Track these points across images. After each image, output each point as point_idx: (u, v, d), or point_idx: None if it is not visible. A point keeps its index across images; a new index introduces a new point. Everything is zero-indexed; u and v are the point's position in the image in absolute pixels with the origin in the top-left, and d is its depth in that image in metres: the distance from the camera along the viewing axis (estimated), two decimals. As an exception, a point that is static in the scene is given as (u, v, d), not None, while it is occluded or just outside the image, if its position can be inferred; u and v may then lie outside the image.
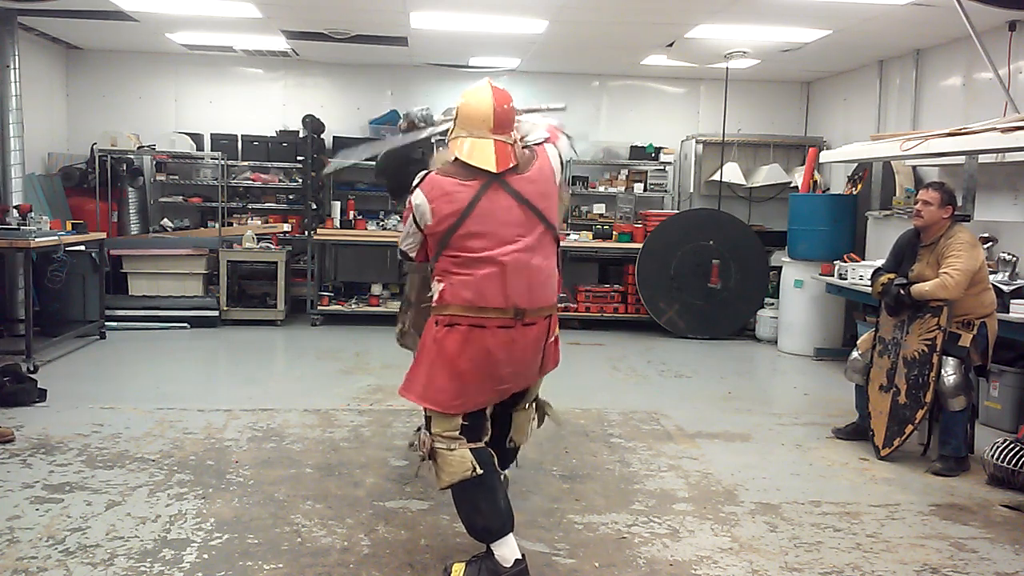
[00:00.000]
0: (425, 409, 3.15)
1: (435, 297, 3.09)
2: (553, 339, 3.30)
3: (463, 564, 3.12)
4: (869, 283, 5.21)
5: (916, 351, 4.68)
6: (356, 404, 5.57)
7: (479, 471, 3.04)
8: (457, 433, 3.09)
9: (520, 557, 3.07)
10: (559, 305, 3.29)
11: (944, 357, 4.58)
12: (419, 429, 3.32)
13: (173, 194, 9.32)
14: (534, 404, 3.53)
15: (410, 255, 3.23)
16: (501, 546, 3.06)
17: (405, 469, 4.35)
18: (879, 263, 5.40)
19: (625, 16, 6.88)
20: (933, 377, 4.57)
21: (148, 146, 8.90)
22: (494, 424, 3.26)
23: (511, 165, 3.06)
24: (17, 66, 7.53)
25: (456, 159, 3.08)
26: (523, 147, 3.16)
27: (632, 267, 8.69)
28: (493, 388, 3.13)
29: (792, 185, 9.31)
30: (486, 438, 3.19)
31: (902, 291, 4.71)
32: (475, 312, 3.01)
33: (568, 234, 8.99)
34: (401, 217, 3.40)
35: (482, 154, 3.04)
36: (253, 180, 9.27)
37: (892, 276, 4.83)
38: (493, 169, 3.01)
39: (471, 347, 3.03)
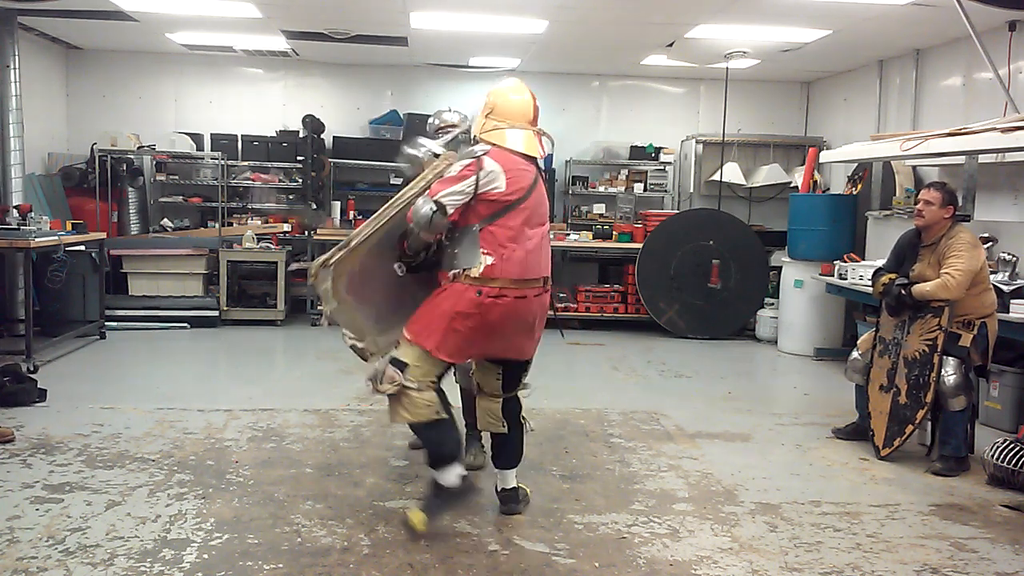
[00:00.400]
0: (412, 348, 3.46)
1: (480, 269, 3.40)
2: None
3: (418, 511, 3.46)
4: (870, 283, 5.20)
5: (917, 351, 4.68)
6: (356, 404, 5.57)
7: (443, 415, 3.45)
8: (431, 379, 3.45)
9: (464, 474, 3.48)
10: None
11: (944, 357, 4.58)
12: (390, 362, 3.47)
13: (173, 194, 9.32)
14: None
15: (448, 210, 3.41)
16: (450, 471, 3.42)
17: (405, 469, 4.35)
18: (879, 263, 5.40)
19: (625, 16, 6.88)
20: (934, 377, 4.57)
21: (148, 146, 8.90)
22: (506, 413, 3.69)
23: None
24: (17, 66, 7.53)
25: (496, 145, 3.49)
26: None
27: (632, 267, 8.69)
28: (505, 346, 3.57)
29: (792, 185, 9.31)
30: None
31: (903, 291, 4.71)
32: (519, 285, 3.44)
33: (568, 234, 9.00)
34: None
35: (530, 143, 3.52)
36: (253, 180, 9.27)
37: (893, 276, 4.83)
38: (538, 155, 3.53)
39: (513, 318, 3.47)
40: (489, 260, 3.41)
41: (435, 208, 3.36)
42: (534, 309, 3.53)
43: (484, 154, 3.44)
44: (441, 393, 3.55)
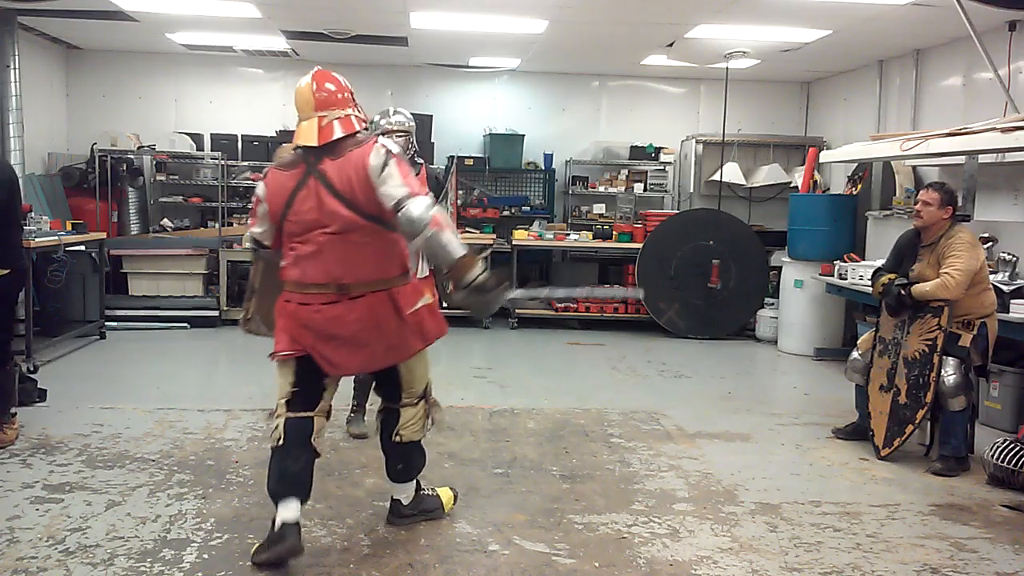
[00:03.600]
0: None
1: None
2: (411, 313, 3.28)
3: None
4: (869, 283, 5.20)
5: (917, 351, 4.68)
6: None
7: (281, 442, 3.26)
8: (284, 400, 3.31)
9: (289, 522, 3.15)
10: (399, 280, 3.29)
11: (944, 357, 4.58)
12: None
13: (173, 194, 9.31)
14: (422, 401, 3.50)
15: (264, 242, 3.39)
16: (281, 509, 3.19)
17: (405, 469, 4.35)
18: (879, 263, 5.40)
19: (625, 16, 6.88)
20: (934, 377, 4.57)
21: (148, 146, 8.89)
22: (384, 422, 3.49)
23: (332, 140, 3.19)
24: (17, 66, 7.52)
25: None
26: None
27: (632, 267, 8.69)
28: (326, 349, 3.23)
29: (792, 185, 9.31)
30: (315, 411, 3.33)
31: (903, 291, 4.71)
32: (302, 291, 3.24)
33: (568, 234, 9.00)
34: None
35: (305, 132, 3.22)
36: (253, 180, 9.26)
37: (893, 276, 4.83)
38: (314, 141, 3.17)
39: (305, 323, 3.25)
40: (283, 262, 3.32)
41: (251, 245, 3.41)
42: (328, 316, 3.19)
43: (263, 179, 3.36)
44: (305, 423, 3.29)
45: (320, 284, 3.19)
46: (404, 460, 3.51)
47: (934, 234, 4.69)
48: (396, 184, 3.09)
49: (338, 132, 3.20)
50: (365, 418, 4.92)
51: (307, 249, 3.19)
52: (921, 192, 4.76)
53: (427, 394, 3.52)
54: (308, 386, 3.32)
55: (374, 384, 3.47)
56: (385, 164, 3.10)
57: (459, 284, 3.13)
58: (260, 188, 3.32)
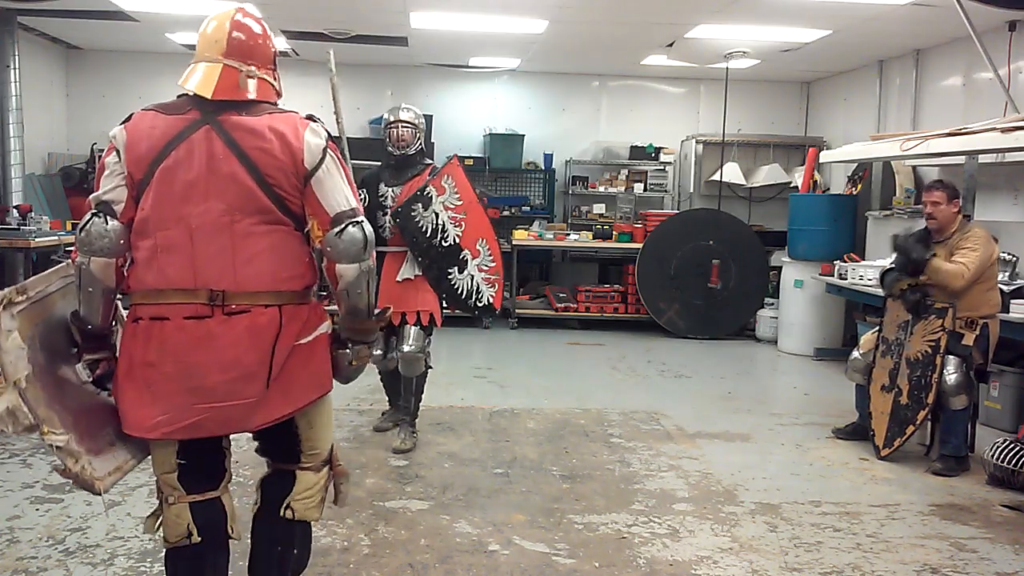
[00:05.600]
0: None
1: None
2: (305, 342, 2.36)
3: None
4: (879, 283, 5.18)
5: (920, 352, 4.68)
6: (356, 404, 5.57)
7: (195, 539, 2.34)
8: (174, 476, 2.34)
9: None
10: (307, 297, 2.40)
11: (946, 356, 4.58)
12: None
13: (173, 194, 9.31)
14: (326, 468, 2.53)
15: (107, 208, 2.38)
16: None
17: (405, 469, 4.35)
18: (879, 263, 5.40)
19: (625, 16, 6.88)
20: (935, 378, 4.57)
21: (148, 146, 8.89)
22: (268, 487, 2.50)
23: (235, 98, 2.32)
24: (17, 66, 7.52)
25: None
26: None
27: (632, 267, 8.69)
28: (197, 403, 2.24)
29: (792, 185, 9.31)
30: (215, 490, 2.41)
31: (923, 299, 4.68)
32: (155, 299, 2.27)
33: (568, 234, 9.00)
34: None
35: (204, 78, 2.34)
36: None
37: (908, 284, 4.77)
38: (208, 94, 2.30)
39: (158, 354, 2.25)
40: (127, 265, 2.34)
41: (93, 212, 2.30)
42: (191, 340, 2.23)
43: (123, 123, 2.37)
44: (212, 510, 2.40)
45: (185, 290, 2.24)
46: (287, 547, 2.48)
47: (947, 231, 4.69)
48: (346, 188, 2.35)
49: (251, 93, 2.35)
50: (404, 431, 4.69)
51: (171, 238, 2.24)
52: (925, 194, 4.74)
53: (332, 460, 2.56)
54: (205, 456, 2.37)
55: (256, 444, 2.53)
56: (325, 152, 2.33)
57: (358, 341, 2.46)
58: (116, 132, 2.34)
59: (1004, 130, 4.88)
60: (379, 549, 3.38)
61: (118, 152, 2.32)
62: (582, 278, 9.37)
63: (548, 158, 9.66)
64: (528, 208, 9.64)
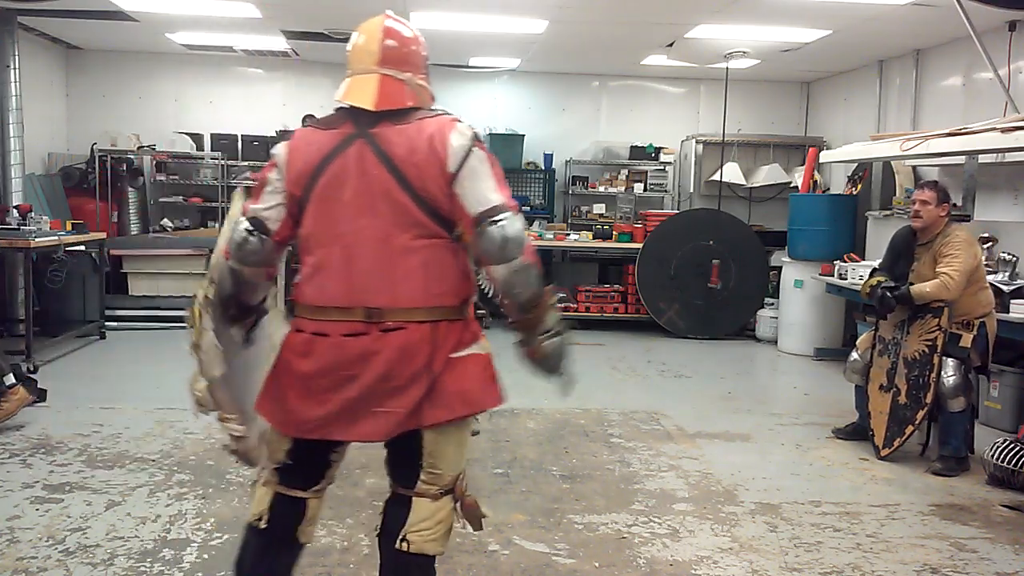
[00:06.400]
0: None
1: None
2: (457, 357, 2.30)
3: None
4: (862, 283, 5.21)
5: (917, 352, 4.68)
6: (356, 404, 5.56)
7: (263, 524, 2.35)
8: (274, 466, 2.39)
9: None
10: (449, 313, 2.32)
11: (944, 358, 4.57)
12: None
13: (173, 194, 9.32)
14: (447, 497, 2.34)
15: (268, 225, 2.44)
16: None
17: (405, 469, 4.35)
18: (878, 263, 5.39)
19: (625, 16, 6.88)
20: (934, 378, 4.57)
21: (148, 146, 8.90)
22: (388, 514, 2.40)
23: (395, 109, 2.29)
24: (17, 66, 7.53)
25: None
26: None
27: (632, 267, 8.69)
28: (349, 412, 2.26)
29: (792, 185, 9.31)
30: (304, 491, 2.39)
31: (888, 294, 4.71)
32: (317, 316, 2.30)
33: (568, 234, 9.00)
34: None
35: (360, 89, 2.32)
36: (253, 180, 9.25)
37: (882, 279, 4.82)
38: (371, 104, 2.27)
39: (319, 364, 2.28)
40: (297, 278, 2.39)
41: (247, 228, 2.35)
42: (347, 357, 2.23)
43: (286, 140, 2.40)
44: (295, 506, 2.38)
45: (342, 308, 2.25)
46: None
47: (931, 233, 4.69)
48: (489, 187, 2.24)
49: (408, 100, 2.32)
50: None
51: (328, 256, 2.27)
52: (916, 192, 4.76)
53: (457, 490, 2.36)
54: (309, 458, 2.38)
55: (385, 457, 2.45)
56: (469, 152, 2.24)
57: (534, 332, 2.41)
58: (279, 149, 2.36)
59: (1004, 130, 4.88)
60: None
61: (279, 169, 2.34)
62: (582, 278, 9.37)
63: (548, 158, 9.66)
64: (528, 208, 9.63)
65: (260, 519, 2.35)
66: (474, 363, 2.33)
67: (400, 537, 2.28)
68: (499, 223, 2.22)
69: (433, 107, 2.40)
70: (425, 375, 2.23)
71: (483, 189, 2.24)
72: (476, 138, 2.29)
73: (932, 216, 4.66)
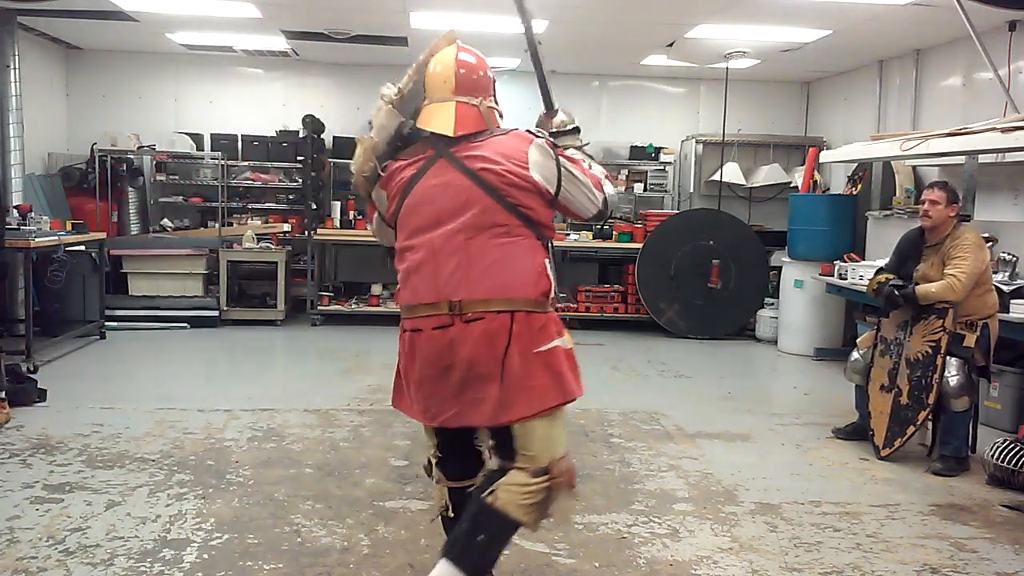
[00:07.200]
0: None
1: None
2: (543, 351, 2.54)
3: None
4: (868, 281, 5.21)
5: (920, 352, 4.68)
6: (356, 404, 5.57)
7: (450, 514, 2.73)
8: (436, 462, 2.77)
9: None
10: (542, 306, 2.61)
11: (948, 358, 4.57)
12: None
13: (173, 194, 9.31)
14: (541, 477, 2.53)
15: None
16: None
17: (405, 469, 4.35)
18: (879, 263, 5.40)
19: (625, 16, 6.88)
20: (936, 379, 4.57)
21: (148, 146, 8.89)
22: (489, 476, 2.63)
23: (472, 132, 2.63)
24: (17, 66, 7.53)
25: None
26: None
27: (632, 267, 8.69)
28: (444, 400, 2.56)
29: (792, 185, 9.31)
30: (471, 479, 2.72)
31: (896, 292, 4.71)
32: (411, 314, 2.61)
33: (568, 234, 9.00)
34: None
35: (440, 117, 2.64)
36: (253, 180, 9.27)
37: (889, 277, 4.83)
38: (449, 131, 2.60)
39: (419, 359, 2.59)
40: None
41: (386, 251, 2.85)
42: (438, 347, 2.51)
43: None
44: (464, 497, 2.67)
45: (430, 304, 2.54)
46: (477, 529, 2.51)
47: (939, 234, 4.68)
48: (588, 190, 2.71)
49: (481, 125, 2.67)
50: None
51: (417, 257, 2.58)
52: (926, 192, 4.74)
53: (552, 471, 2.54)
54: (456, 447, 2.74)
55: (492, 445, 2.71)
56: (558, 166, 2.62)
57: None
58: (377, 194, 2.76)
59: (1004, 130, 4.88)
60: (379, 549, 3.38)
61: (374, 200, 2.77)
62: (582, 278, 9.36)
63: (548, 158, 9.64)
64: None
65: (447, 509, 2.75)
66: (556, 356, 2.56)
67: (489, 491, 2.52)
68: (604, 216, 2.80)
69: (502, 125, 2.75)
70: (505, 362, 2.47)
71: (585, 195, 2.70)
72: (554, 147, 2.64)
73: (942, 216, 4.65)
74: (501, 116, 2.80)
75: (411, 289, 2.60)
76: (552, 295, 2.64)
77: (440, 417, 2.59)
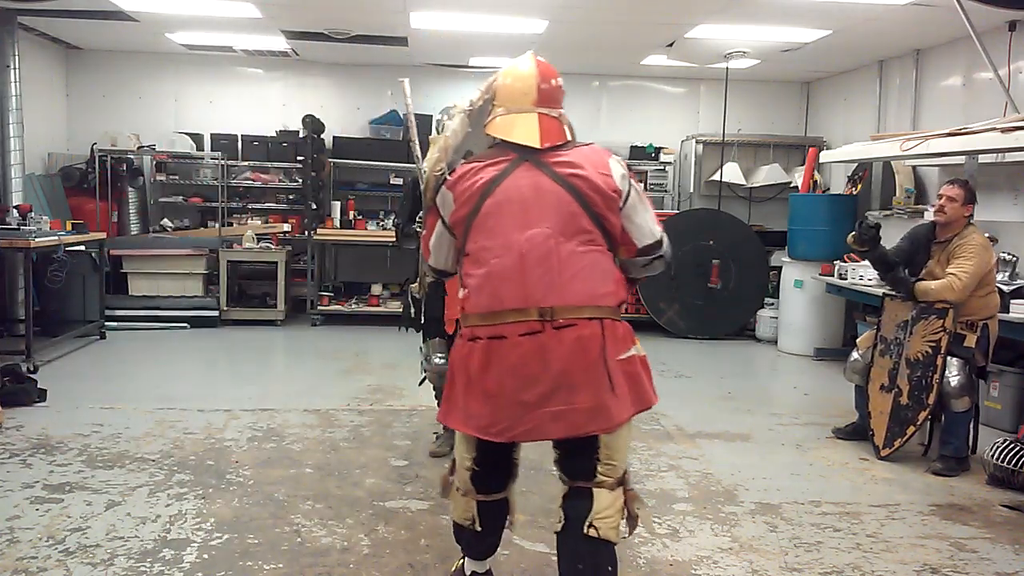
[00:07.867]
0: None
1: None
2: (624, 359, 2.53)
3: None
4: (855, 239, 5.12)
5: (920, 352, 4.68)
6: (356, 404, 5.57)
7: (477, 527, 2.71)
8: (468, 476, 2.69)
9: (480, 572, 2.87)
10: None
11: (948, 358, 4.57)
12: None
13: (173, 194, 9.31)
14: (620, 488, 2.58)
15: (431, 259, 2.83)
16: (472, 564, 2.87)
17: (405, 469, 4.35)
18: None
19: (625, 16, 6.88)
20: (936, 379, 4.56)
21: (148, 146, 8.89)
22: (570, 507, 2.55)
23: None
24: (17, 66, 7.52)
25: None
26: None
27: (632, 267, 8.68)
28: (531, 411, 2.45)
29: (792, 185, 9.31)
30: (502, 492, 2.75)
31: (872, 230, 4.70)
32: (490, 321, 2.50)
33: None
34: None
35: (527, 129, 2.63)
36: (253, 180, 9.27)
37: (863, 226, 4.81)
38: (537, 143, 2.59)
39: (497, 368, 2.49)
40: (463, 292, 2.62)
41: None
42: (525, 355, 2.44)
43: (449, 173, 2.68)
44: (495, 507, 2.74)
45: (518, 310, 2.45)
46: (594, 567, 2.48)
47: (950, 232, 4.66)
48: (651, 219, 2.73)
49: (565, 136, 2.66)
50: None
51: (503, 264, 2.47)
52: (945, 187, 4.70)
53: (626, 481, 2.61)
54: (496, 462, 2.68)
55: (555, 457, 2.63)
56: (630, 185, 2.64)
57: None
58: (443, 196, 2.64)
59: (1004, 130, 4.88)
60: (379, 549, 3.38)
61: (439, 209, 2.67)
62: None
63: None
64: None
65: (473, 523, 2.70)
66: (634, 364, 2.56)
67: (588, 523, 2.47)
68: (662, 257, 2.74)
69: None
70: (599, 370, 2.44)
71: (647, 222, 2.70)
72: (629, 168, 2.68)
73: (956, 214, 4.63)
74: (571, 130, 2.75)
75: (492, 294, 2.48)
76: (624, 304, 2.64)
77: (511, 431, 2.47)
